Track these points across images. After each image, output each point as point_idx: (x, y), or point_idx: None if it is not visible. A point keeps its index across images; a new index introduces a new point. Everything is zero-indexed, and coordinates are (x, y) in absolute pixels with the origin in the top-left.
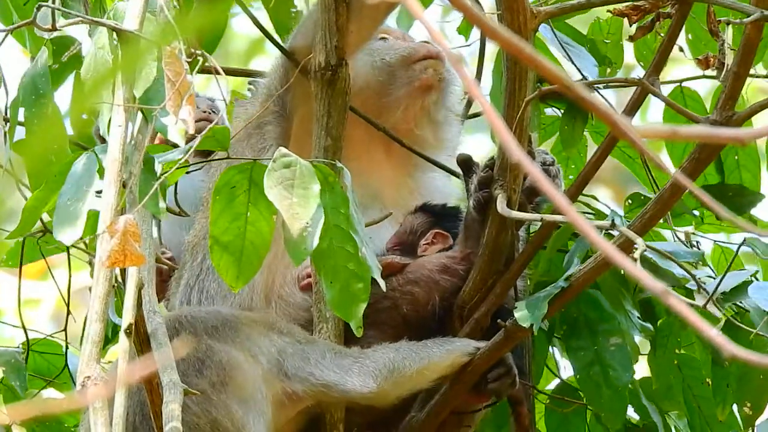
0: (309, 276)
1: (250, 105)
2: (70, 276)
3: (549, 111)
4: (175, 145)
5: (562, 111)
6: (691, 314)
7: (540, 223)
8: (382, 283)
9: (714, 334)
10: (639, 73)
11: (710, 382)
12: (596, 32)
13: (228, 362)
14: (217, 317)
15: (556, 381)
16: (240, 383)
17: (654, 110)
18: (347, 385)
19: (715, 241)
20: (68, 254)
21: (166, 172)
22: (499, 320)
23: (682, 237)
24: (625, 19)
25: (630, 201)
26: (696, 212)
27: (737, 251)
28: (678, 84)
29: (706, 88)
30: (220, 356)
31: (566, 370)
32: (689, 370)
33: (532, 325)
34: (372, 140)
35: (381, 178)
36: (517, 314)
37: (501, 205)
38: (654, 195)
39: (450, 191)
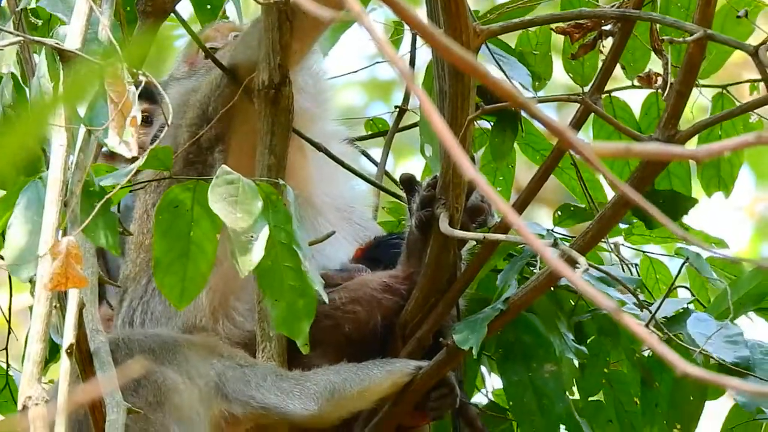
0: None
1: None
2: (11, 295)
3: (477, 123)
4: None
5: (492, 123)
6: (643, 331)
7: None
8: (324, 296)
9: (666, 351)
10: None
11: (638, 402)
12: (524, 44)
13: (164, 383)
14: (155, 340)
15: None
16: (176, 404)
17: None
18: (288, 408)
19: (644, 252)
20: (9, 274)
21: (108, 193)
22: (441, 339)
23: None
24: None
25: (560, 212)
26: (623, 224)
27: (680, 270)
28: (607, 94)
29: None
30: (155, 377)
31: (493, 387)
32: (620, 385)
33: (471, 347)
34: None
35: (305, 180)
36: (455, 336)
37: (443, 224)
38: (586, 207)
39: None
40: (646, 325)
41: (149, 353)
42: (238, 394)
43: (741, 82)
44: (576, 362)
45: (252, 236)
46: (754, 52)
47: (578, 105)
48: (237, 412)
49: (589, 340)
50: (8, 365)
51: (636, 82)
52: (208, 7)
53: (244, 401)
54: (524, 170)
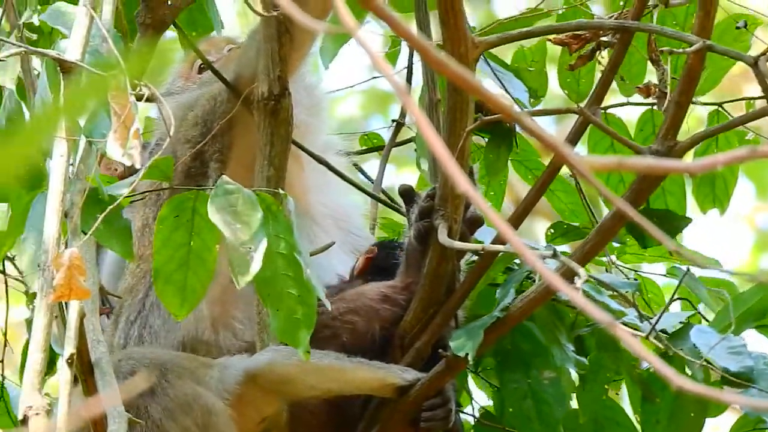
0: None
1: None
2: (8, 307)
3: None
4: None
5: (487, 139)
6: (638, 346)
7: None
8: (327, 303)
9: (661, 365)
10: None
11: (639, 418)
12: (520, 60)
13: (213, 406)
14: (187, 359)
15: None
16: (220, 429)
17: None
18: (248, 364)
19: (637, 271)
20: (6, 286)
21: (112, 204)
22: (440, 350)
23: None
24: (549, 46)
25: (552, 230)
26: (616, 243)
27: (679, 284)
28: (603, 111)
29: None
30: (203, 400)
31: (483, 399)
32: (609, 411)
33: (467, 354)
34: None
35: (302, 191)
36: (452, 343)
37: (442, 235)
38: (577, 225)
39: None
40: (646, 337)
41: (194, 374)
42: (227, 368)
43: (737, 100)
44: (575, 375)
45: (251, 248)
46: (754, 63)
47: (575, 118)
48: (229, 385)
49: (589, 356)
50: (3, 377)
51: (633, 98)
52: (194, 34)
53: (230, 375)
54: (521, 180)
